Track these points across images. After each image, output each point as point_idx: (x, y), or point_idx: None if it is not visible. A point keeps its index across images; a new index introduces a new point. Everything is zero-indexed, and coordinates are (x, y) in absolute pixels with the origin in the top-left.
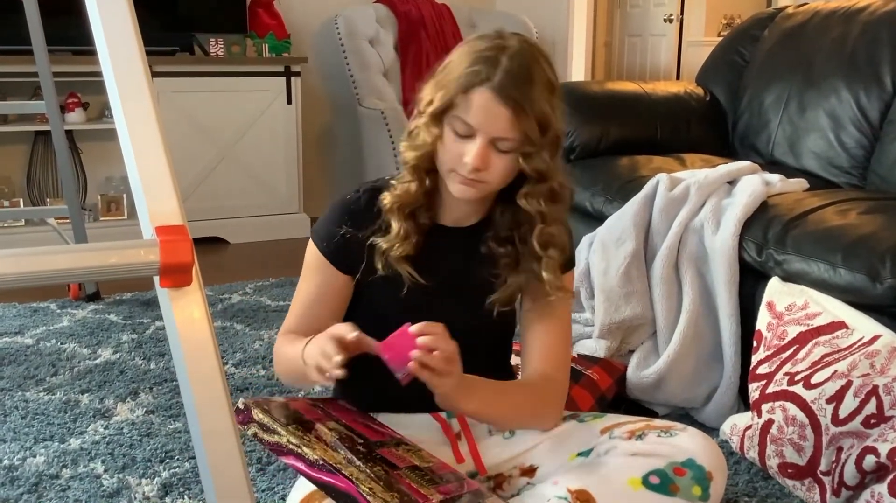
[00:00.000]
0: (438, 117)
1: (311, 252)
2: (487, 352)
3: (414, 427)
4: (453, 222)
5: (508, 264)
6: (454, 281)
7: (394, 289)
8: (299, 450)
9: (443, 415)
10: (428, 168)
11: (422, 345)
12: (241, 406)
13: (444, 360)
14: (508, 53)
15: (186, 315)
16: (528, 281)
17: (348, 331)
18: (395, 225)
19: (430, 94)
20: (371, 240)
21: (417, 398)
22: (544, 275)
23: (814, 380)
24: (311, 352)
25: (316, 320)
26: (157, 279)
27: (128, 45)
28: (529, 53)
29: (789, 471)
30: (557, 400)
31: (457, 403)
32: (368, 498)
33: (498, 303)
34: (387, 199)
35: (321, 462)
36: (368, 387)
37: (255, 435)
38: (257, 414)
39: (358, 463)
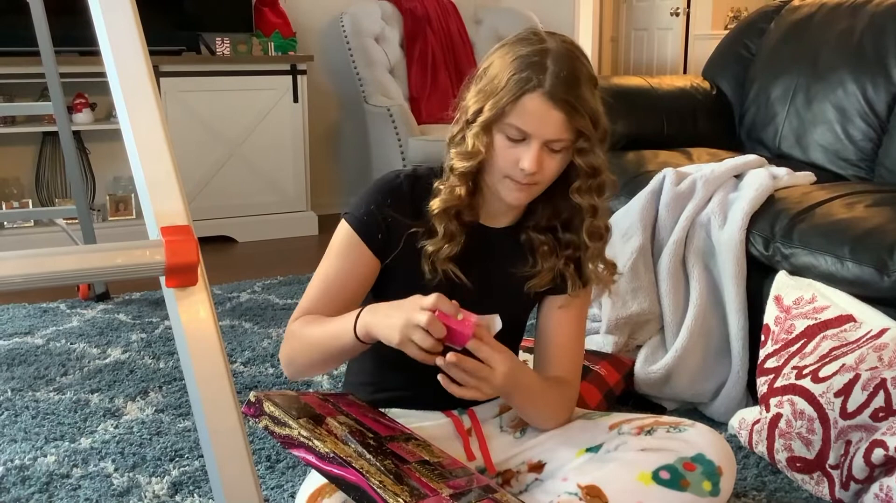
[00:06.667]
0: (489, 126)
1: (343, 232)
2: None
3: (425, 423)
4: (492, 221)
5: (546, 252)
6: (490, 280)
7: (420, 284)
8: (310, 443)
9: (455, 412)
10: (475, 172)
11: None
12: (252, 399)
13: (473, 380)
14: (552, 56)
15: (192, 315)
16: (565, 266)
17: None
18: (441, 228)
19: (478, 103)
20: (412, 231)
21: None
22: (589, 265)
23: (822, 374)
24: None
25: (334, 302)
26: (163, 279)
27: (131, 46)
28: (571, 53)
29: (798, 464)
30: (572, 403)
31: (504, 396)
32: (379, 491)
33: (535, 287)
34: (435, 203)
35: (332, 455)
36: (383, 381)
37: (266, 427)
38: (269, 407)
39: (368, 456)
